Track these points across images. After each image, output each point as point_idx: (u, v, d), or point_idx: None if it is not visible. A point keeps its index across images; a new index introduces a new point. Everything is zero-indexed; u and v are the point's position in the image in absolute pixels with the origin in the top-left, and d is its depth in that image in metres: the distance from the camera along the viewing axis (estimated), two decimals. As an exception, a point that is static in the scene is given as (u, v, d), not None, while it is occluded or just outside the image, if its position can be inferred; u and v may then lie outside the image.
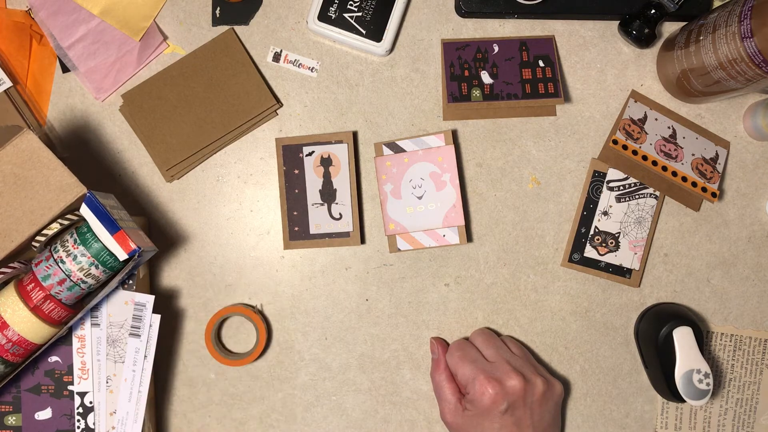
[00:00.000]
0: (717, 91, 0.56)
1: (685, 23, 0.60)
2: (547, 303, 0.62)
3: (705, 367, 0.58)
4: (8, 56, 0.60)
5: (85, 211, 0.49)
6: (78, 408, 0.55)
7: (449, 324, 0.62)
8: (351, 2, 0.60)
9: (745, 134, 0.63)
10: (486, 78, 0.59)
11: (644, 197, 0.62)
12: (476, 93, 0.59)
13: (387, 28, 0.60)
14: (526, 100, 0.60)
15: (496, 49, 0.60)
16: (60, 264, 0.49)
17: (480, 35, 0.62)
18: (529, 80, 0.60)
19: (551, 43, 0.61)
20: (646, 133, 0.61)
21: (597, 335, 0.63)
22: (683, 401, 0.58)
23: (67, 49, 0.59)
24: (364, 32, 0.60)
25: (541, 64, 0.60)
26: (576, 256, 0.62)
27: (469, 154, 0.62)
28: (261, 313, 0.61)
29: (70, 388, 0.55)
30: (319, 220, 0.60)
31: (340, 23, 0.60)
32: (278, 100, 0.62)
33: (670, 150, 0.61)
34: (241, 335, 0.62)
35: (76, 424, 0.55)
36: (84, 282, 0.49)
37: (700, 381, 0.58)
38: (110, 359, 0.55)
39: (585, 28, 0.63)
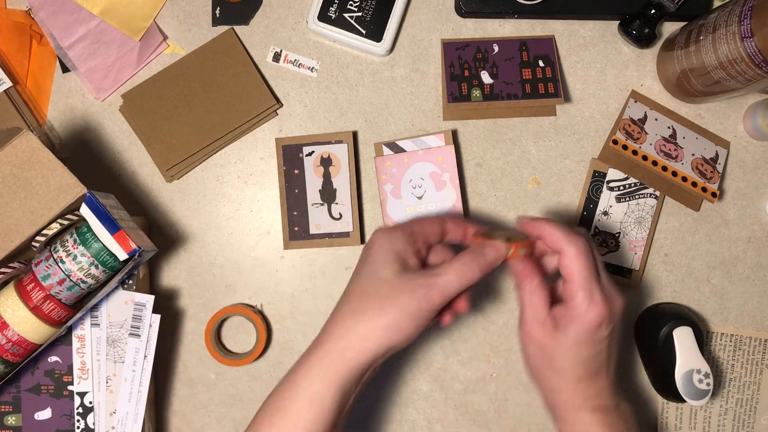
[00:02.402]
0: (717, 91, 0.56)
1: (685, 23, 0.60)
2: (547, 303, 0.62)
3: (705, 367, 0.58)
4: (8, 56, 0.60)
5: (85, 211, 0.49)
6: (78, 408, 0.55)
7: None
8: (351, 2, 0.60)
9: (745, 134, 0.63)
10: (486, 78, 0.59)
11: (644, 197, 0.62)
12: (476, 93, 0.59)
13: (387, 28, 0.60)
14: (526, 100, 0.59)
15: (496, 49, 0.60)
16: (60, 264, 0.49)
17: (480, 35, 0.62)
18: (529, 80, 0.60)
19: (551, 43, 0.61)
20: (646, 133, 0.61)
21: (597, 335, 0.63)
22: (683, 401, 0.58)
23: (67, 49, 0.59)
24: (364, 32, 0.60)
25: (541, 64, 0.60)
26: (576, 256, 0.62)
27: (469, 154, 0.62)
28: (261, 313, 0.61)
29: (69, 388, 0.55)
30: (319, 220, 0.60)
31: (340, 23, 0.60)
32: (278, 100, 0.62)
33: (670, 150, 0.61)
34: (241, 335, 0.62)
35: (76, 424, 0.55)
36: (84, 282, 0.49)
37: (700, 381, 0.58)
38: (110, 359, 0.55)
39: (585, 28, 0.63)
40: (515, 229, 0.50)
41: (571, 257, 0.45)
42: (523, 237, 0.48)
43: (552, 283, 0.49)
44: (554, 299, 0.48)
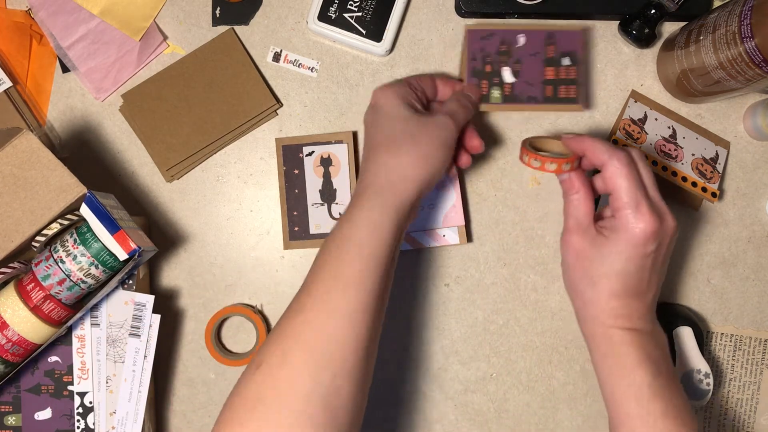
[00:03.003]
0: (717, 91, 0.56)
1: (685, 23, 0.60)
2: (547, 303, 0.62)
3: (705, 367, 0.58)
4: (8, 56, 0.60)
5: (85, 211, 0.49)
6: (78, 408, 0.55)
7: (449, 324, 0.62)
8: (351, 2, 0.60)
9: (745, 134, 0.63)
10: (507, 76, 0.55)
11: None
12: (495, 94, 0.56)
13: (387, 28, 0.60)
14: (545, 105, 0.56)
15: (521, 41, 0.55)
16: (60, 264, 0.49)
17: (480, 35, 0.62)
18: (552, 81, 0.56)
19: (580, 38, 0.56)
20: (646, 133, 0.61)
21: (597, 335, 0.63)
22: (683, 401, 0.58)
23: (67, 49, 0.59)
24: (364, 32, 0.60)
25: (565, 62, 0.55)
26: (576, 256, 0.62)
27: (469, 154, 0.62)
28: (261, 313, 0.61)
29: (69, 388, 0.55)
30: (319, 220, 0.60)
31: (340, 23, 0.60)
32: (278, 100, 0.62)
33: (670, 150, 0.61)
34: (241, 335, 0.62)
35: (76, 424, 0.55)
36: (84, 282, 0.49)
37: (700, 381, 0.58)
38: (110, 359, 0.55)
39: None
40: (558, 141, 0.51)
41: (614, 168, 0.45)
42: (569, 153, 0.49)
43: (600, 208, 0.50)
44: (601, 216, 0.48)
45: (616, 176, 0.45)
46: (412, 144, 0.47)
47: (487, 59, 0.56)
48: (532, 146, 0.51)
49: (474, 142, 0.52)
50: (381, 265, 0.44)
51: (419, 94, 0.52)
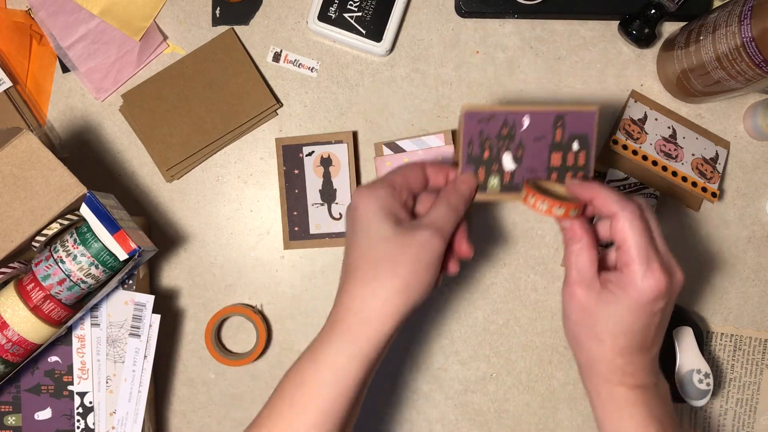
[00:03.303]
0: (717, 91, 0.56)
1: (685, 23, 0.60)
2: (547, 303, 0.62)
3: (705, 367, 0.58)
4: (8, 56, 0.60)
5: (85, 211, 0.49)
6: (78, 408, 0.55)
7: (449, 324, 0.62)
8: (351, 2, 0.60)
9: (745, 134, 0.63)
10: (508, 163, 0.49)
11: (644, 197, 0.62)
12: (494, 182, 0.49)
13: (387, 28, 0.60)
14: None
15: (526, 123, 0.48)
16: (60, 264, 0.49)
17: (480, 35, 0.62)
18: (557, 168, 0.49)
19: (592, 120, 0.48)
20: (646, 133, 0.61)
21: (597, 335, 0.63)
22: (683, 401, 0.58)
23: (67, 49, 0.59)
24: (364, 32, 0.60)
25: (575, 147, 0.49)
26: (576, 256, 0.62)
27: (469, 154, 0.62)
28: (261, 313, 0.61)
29: (69, 388, 0.55)
30: (319, 220, 0.60)
31: (340, 23, 0.60)
32: (278, 100, 0.62)
33: (670, 150, 0.61)
34: (241, 335, 0.62)
35: (76, 424, 0.55)
36: (84, 282, 0.49)
37: (700, 381, 0.58)
38: (110, 359, 0.55)
39: (585, 28, 0.63)
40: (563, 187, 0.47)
41: (624, 221, 0.42)
42: (573, 198, 0.45)
43: (604, 251, 0.46)
44: (604, 267, 0.45)
45: (627, 229, 0.42)
46: (391, 272, 0.42)
47: (486, 144, 0.49)
48: (536, 186, 0.46)
49: (463, 248, 0.46)
50: (339, 418, 0.42)
51: (405, 196, 0.46)
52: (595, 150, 0.49)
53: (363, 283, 0.43)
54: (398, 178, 0.46)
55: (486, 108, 0.48)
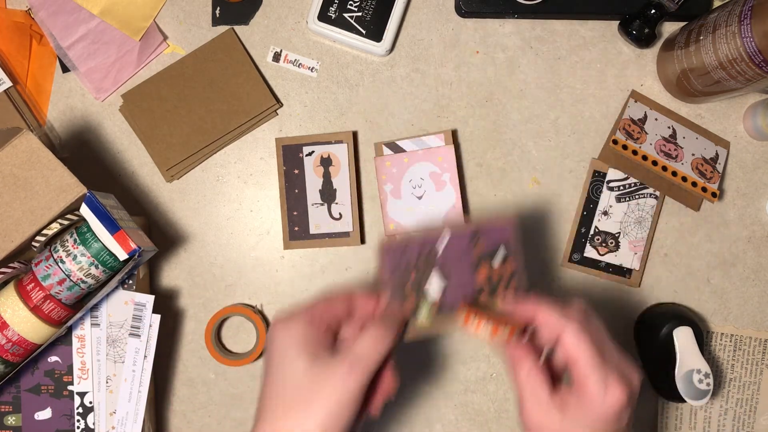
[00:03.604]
0: (717, 91, 0.56)
1: (685, 23, 0.60)
2: (547, 303, 0.62)
3: (705, 367, 0.58)
4: (8, 56, 0.60)
5: (85, 211, 0.49)
6: (78, 408, 0.55)
7: (449, 324, 0.62)
8: (351, 2, 0.60)
9: (745, 134, 0.63)
10: (435, 287, 0.46)
11: (644, 197, 0.62)
12: (423, 311, 0.46)
13: (387, 28, 0.60)
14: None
15: (444, 244, 0.46)
16: (60, 264, 0.49)
17: (480, 35, 0.62)
18: (485, 284, 0.47)
19: (509, 232, 0.47)
20: (646, 133, 0.61)
21: (597, 335, 0.63)
22: (683, 401, 0.58)
23: (67, 49, 0.59)
24: (364, 32, 0.60)
25: (498, 260, 0.47)
26: (576, 256, 0.62)
27: (469, 154, 0.62)
28: (261, 313, 0.61)
29: (69, 388, 0.55)
30: (319, 220, 0.60)
31: (340, 23, 0.60)
32: (278, 100, 0.62)
33: (670, 150, 0.61)
34: (241, 335, 0.62)
35: (76, 424, 0.55)
36: (84, 282, 0.49)
37: (700, 381, 0.58)
38: (110, 359, 0.55)
39: (585, 28, 0.63)
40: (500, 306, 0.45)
41: (572, 337, 0.40)
42: (511, 318, 0.43)
43: (549, 355, 0.44)
44: (554, 376, 0.42)
45: (576, 346, 0.39)
46: (303, 413, 0.39)
47: (409, 272, 0.46)
48: (474, 306, 0.44)
49: (386, 386, 0.43)
50: None
51: (325, 326, 0.43)
52: (522, 258, 0.46)
53: (272, 422, 0.40)
54: (320, 308, 0.43)
55: (402, 240, 0.46)
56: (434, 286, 0.46)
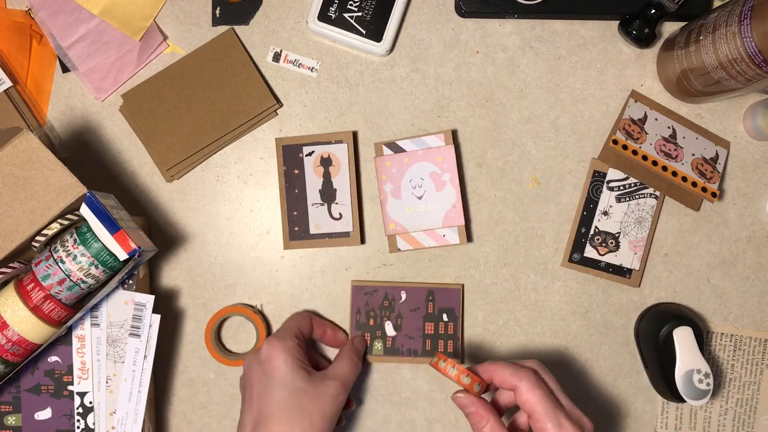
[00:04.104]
0: (717, 91, 0.56)
1: (685, 23, 0.60)
2: (547, 303, 0.62)
3: (705, 367, 0.58)
4: (8, 56, 0.60)
5: (85, 211, 0.49)
6: (78, 408, 0.55)
7: (449, 324, 0.62)
8: (351, 2, 0.60)
9: (745, 134, 0.63)
10: (389, 330, 0.60)
11: (644, 197, 0.62)
12: (378, 346, 0.60)
13: (387, 28, 0.60)
14: (424, 358, 0.60)
15: (404, 297, 0.60)
16: (60, 264, 0.49)
17: (480, 35, 0.62)
18: (431, 335, 0.60)
19: (458, 295, 0.60)
20: (646, 133, 0.61)
21: (597, 335, 0.63)
22: (683, 401, 0.58)
23: (67, 49, 0.59)
24: (364, 32, 0.60)
25: (444, 318, 0.60)
26: (576, 256, 0.62)
27: (469, 154, 0.62)
28: (261, 313, 0.61)
29: (69, 388, 0.55)
30: (319, 220, 0.60)
31: (340, 23, 0.60)
32: (278, 100, 0.62)
33: (670, 150, 0.61)
34: (241, 335, 0.62)
35: (76, 424, 0.55)
36: (84, 282, 0.49)
37: (700, 381, 0.58)
38: (110, 359, 0.55)
39: (585, 28, 0.63)
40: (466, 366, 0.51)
41: (527, 392, 0.45)
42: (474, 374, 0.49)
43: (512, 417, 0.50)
44: (517, 429, 0.49)
45: (531, 399, 0.45)
46: (308, 422, 0.48)
47: (371, 314, 0.60)
48: (443, 353, 0.54)
49: (348, 402, 0.57)
50: None
51: (304, 347, 0.54)
52: (462, 321, 0.61)
53: (276, 426, 0.48)
54: (299, 327, 0.55)
55: (370, 283, 0.60)
56: (389, 330, 0.60)
